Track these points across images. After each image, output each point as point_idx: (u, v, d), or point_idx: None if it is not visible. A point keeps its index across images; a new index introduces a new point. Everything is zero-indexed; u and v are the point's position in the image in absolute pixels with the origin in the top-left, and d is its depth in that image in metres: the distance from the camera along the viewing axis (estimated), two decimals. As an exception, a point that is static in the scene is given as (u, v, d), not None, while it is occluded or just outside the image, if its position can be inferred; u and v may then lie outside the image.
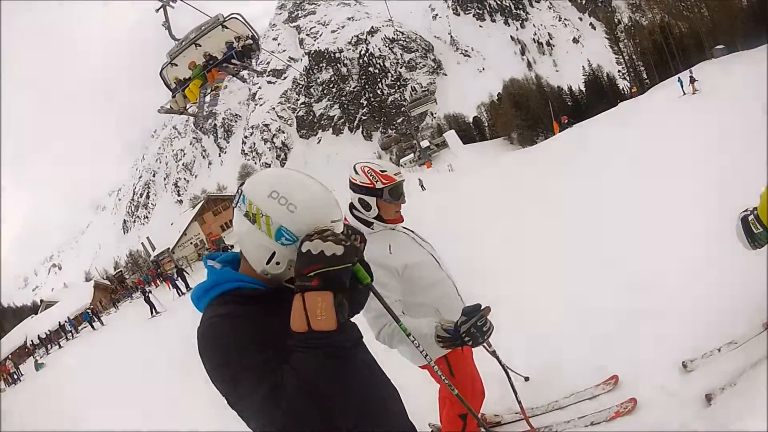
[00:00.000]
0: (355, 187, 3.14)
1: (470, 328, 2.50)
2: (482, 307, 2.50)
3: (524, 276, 7.47)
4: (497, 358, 4.19)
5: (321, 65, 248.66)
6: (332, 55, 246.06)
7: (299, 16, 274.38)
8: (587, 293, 5.64)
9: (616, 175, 11.46)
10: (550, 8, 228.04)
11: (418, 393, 3.71)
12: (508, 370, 4.16)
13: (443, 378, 2.59)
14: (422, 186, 42.62)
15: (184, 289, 29.00)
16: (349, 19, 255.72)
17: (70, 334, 39.72)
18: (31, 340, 48.95)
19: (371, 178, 3.07)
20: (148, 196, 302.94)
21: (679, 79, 36.80)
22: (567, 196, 11.64)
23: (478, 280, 8.29)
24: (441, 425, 4.00)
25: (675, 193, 7.83)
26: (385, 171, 3.06)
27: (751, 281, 3.98)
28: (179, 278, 30.22)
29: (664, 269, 5.28)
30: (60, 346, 39.79)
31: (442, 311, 3.11)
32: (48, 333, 46.75)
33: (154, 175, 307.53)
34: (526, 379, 4.49)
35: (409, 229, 3.34)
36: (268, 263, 1.65)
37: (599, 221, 8.27)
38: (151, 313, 26.56)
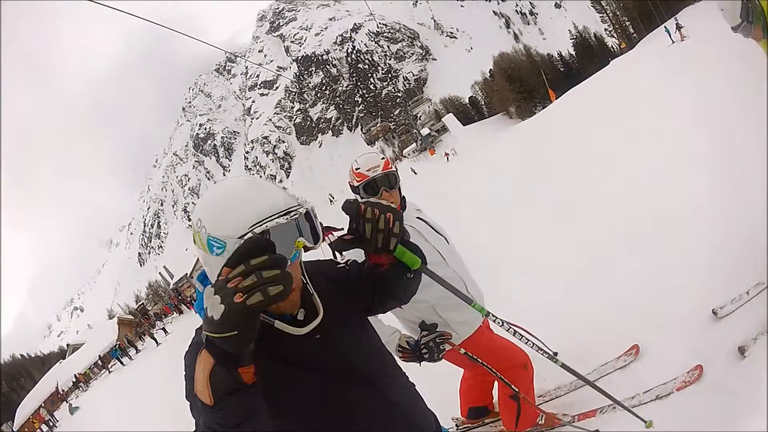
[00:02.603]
0: (349, 186, 3.18)
1: (429, 342, 2.53)
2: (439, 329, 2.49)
3: (533, 245, 7.39)
4: (526, 331, 3.97)
5: (310, 69, 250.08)
6: (320, 57, 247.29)
7: (281, 24, 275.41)
8: (602, 258, 5.48)
9: (619, 132, 11.17)
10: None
11: (437, 386, 3.32)
12: (540, 345, 3.89)
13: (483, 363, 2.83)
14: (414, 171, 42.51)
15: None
16: (330, 19, 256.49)
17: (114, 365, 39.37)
18: (63, 387, 49.09)
19: (350, 176, 3.12)
20: (159, 226, 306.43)
21: (666, 29, 37.08)
22: (573, 160, 11.38)
23: (491, 251, 7.99)
24: (463, 418, 4.01)
25: (682, 143, 7.55)
26: (359, 168, 3.05)
27: (761, 224, 3.76)
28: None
29: (675, 221, 5.09)
30: (110, 371, 39.40)
31: (440, 310, 3.04)
32: (78, 376, 46.84)
33: (161, 204, 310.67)
34: (555, 354, 4.17)
35: (423, 219, 3.19)
36: None
37: (608, 182, 8.10)
38: None
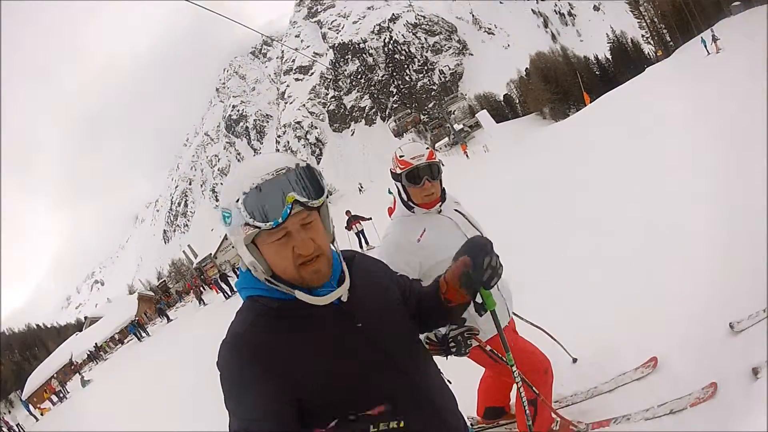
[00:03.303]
0: (390, 173, 3.20)
1: (457, 336, 2.39)
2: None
3: (556, 255, 7.30)
4: (548, 334, 4.17)
5: (347, 57, 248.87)
6: (356, 46, 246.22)
7: (319, 10, 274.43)
8: (624, 269, 5.48)
9: (649, 143, 11.07)
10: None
11: (455, 384, 3.34)
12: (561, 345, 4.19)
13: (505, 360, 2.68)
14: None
15: (229, 292, 29.06)
16: (369, 8, 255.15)
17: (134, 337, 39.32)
18: (77, 359, 49.64)
19: (393, 163, 3.14)
20: (186, 205, 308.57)
21: (702, 40, 37.81)
22: (600, 168, 11.37)
23: (515, 258, 8.00)
24: (479, 418, 4.04)
25: (707, 157, 7.48)
26: (403, 156, 3.07)
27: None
28: (223, 282, 30.25)
29: (698, 234, 5.15)
30: (142, 337, 39.38)
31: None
32: (95, 347, 47.35)
33: (190, 183, 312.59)
34: (574, 360, 4.29)
35: (460, 212, 3.25)
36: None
37: (632, 194, 8.11)
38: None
